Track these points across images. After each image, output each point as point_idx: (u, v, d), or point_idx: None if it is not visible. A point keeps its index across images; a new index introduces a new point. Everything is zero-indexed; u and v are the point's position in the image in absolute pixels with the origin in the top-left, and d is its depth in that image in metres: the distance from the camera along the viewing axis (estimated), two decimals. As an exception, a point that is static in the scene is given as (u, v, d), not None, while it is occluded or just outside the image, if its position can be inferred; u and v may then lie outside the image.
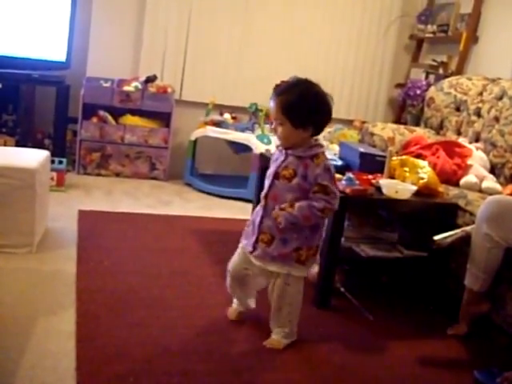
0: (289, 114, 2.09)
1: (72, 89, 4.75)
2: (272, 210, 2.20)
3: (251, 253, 2.26)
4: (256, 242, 2.24)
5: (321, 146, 2.20)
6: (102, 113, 4.83)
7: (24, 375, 1.92)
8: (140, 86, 4.85)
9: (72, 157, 4.86)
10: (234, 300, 2.53)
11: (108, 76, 4.93)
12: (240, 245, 2.38)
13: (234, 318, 2.50)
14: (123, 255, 3.12)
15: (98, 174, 4.82)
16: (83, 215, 3.66)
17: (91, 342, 2.17)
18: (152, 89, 4.88)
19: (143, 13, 4.99)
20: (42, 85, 4.71)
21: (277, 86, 2.15)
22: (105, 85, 4.86)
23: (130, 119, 4.87)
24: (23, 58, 4.53)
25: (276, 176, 2.19)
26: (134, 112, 4.90)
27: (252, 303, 2.52)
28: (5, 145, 4.38)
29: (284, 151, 2.21)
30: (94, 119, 4.82)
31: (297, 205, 2.13)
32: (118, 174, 4.87)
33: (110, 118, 4.84)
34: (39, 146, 4.37)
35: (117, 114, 4.88)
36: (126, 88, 4.85)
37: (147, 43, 5.01)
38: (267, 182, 2.24)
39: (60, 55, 4.66)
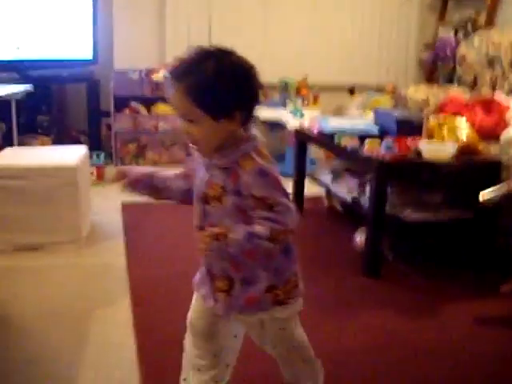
0: (203, 101, 1.37)
1: (102, 83, 4.80)
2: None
3: (213, 307, 1.57)
4: (213, 292, 1.55)
5: (251, 138, 1.46)
6: (133, 104, 4.86)
7: (87, 366, 1.98)
8: (167, 74, 4.84)
9: (109, 150, 4.91)
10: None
11: (136, 66, 4.94)
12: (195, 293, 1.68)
13: None
14: (170, 243, 3.16)
15: (137, 164, 4.86)
16: (126, 207, 3.70)
17: (150, 332, 2.22)
18: (180, 75, 4.87)
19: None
20: (72, 83, 4.77)
21: (174, 67, 1.43)
22: (133, 76, 4.87)
23: (161, 108, 4.89)
24: (52, 60, 4.60)
25: (204, 199, 1.49)
26: (165, 100, 4.88)
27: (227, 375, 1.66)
28: (42, 145, 4.44)
29: (204, 160, 1.49)
30: (127, 111, 4.85)
31: (230, 236, 1.38)
32: (155, 163, 4.89)
33: (141, 108, 4.87)
34: (75, 142, 4.43)
35: (148, 103, 4.91)
36: (154, 77, 4.87)
37: (171, 29, 5.03)
38: (197, 209, 1.53)
39: (87, 52, 4.71)
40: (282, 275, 1.53)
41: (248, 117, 1.45)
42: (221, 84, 1.37)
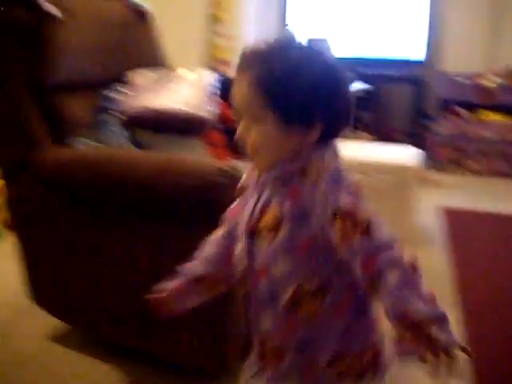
0: (275, 94, 0.98)
1: (426, 85, 4.81)
2: (270, 296, 1.06)
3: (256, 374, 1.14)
4: (261, 358, 1.13)
5: (322, 150, 1.04)
6: (457, 108, 4.75)
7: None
8: (498, 80, 4.67)
9: (428, 152, 4.87)
10: None
11: (462, 70, 4.80)
12: None
13: None
14: (494, 256, 3.03)
15: (454, 171, 4.72)
16: (446, 212, 3.62)
17: (482, 340, 2.14)
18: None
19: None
20: (400, 83, 4.86)
21: (244, 53, 1.02)
22: (460, 80, 4.76)
23: (487, 114, 4.70)
24: (381, 59, 4.77)
25: (251, 232, 1.06)
26: (492, 107, 4.70)
27: None
28: (361, 141, 4.57)
29: (255, 181, 1.09)
30: (450, 115, 4.75)
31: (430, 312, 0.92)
32: (474, 172, 4.71)
33: (466, 113, 4.74)
34: (394, 142, 4.50)
35: (473, 109, 4.74)
36: (482, 82, 4.70)
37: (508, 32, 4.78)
38: (240, 248, 1.10)
39: (418, 53, 4.77)
40: (354, 344, 1.07)
41: (331, 133, 1.04)
42: (304, 77, 0.97)
